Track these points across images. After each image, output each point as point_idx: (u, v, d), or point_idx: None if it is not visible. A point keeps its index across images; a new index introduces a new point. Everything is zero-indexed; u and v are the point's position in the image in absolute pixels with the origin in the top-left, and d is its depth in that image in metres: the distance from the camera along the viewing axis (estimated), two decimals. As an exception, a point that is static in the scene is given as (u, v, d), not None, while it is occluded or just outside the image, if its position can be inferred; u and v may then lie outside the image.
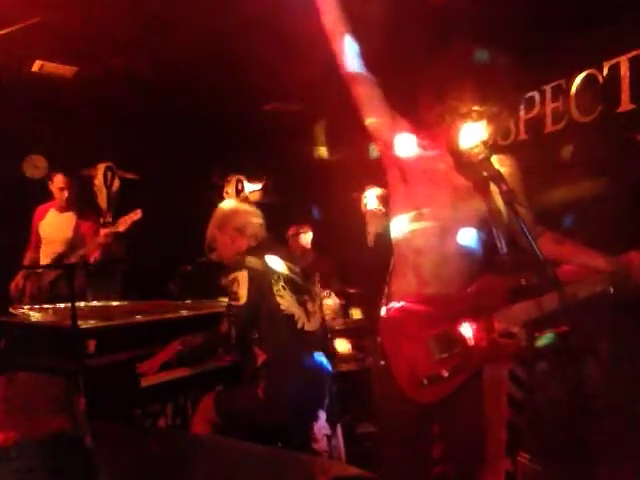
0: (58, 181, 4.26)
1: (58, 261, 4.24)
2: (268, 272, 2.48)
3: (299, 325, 2.50)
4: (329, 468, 1.21)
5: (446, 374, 1.77)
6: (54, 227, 4.34)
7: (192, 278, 4.42)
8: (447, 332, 1.80)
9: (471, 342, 1.78)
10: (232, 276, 2.46)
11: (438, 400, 1.80)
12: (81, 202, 4.56)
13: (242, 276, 2.43)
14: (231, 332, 2.41)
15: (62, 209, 4.34)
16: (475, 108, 1.73)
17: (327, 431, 2.44)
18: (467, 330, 1.79)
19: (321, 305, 2.76)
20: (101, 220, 5.60)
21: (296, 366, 2.45)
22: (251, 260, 2.47)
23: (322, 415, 2.43)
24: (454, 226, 1.82)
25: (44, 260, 4.32)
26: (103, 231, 4.05)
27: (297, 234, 4.90)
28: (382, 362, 1.84)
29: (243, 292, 2.41)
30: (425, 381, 1.78)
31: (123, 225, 4.04)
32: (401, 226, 1.88)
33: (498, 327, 1.79)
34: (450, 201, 1.82)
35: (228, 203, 2.83)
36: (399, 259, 1.93)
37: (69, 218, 4.34)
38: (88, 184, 5.71)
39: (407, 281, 1.87)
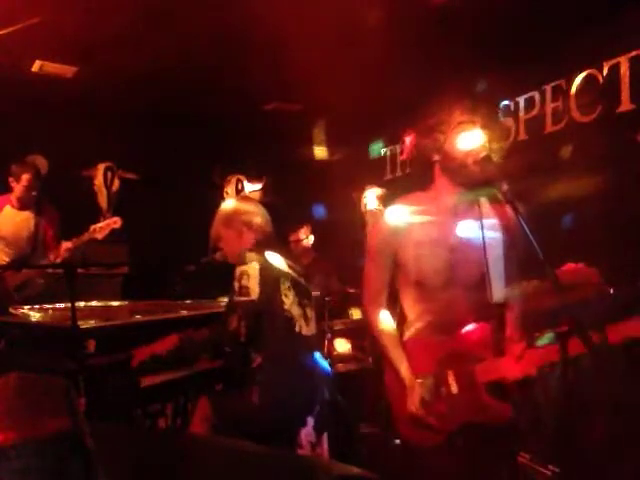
0: (26, 179, 3.93)
1: (21, 262, 3.98)
2: (275, 270, 2.40)
3: (297, 328, 2.41)
4: (329, 468, 1.21)
5: (431, 420, 1.77)
6: (14, 225, 4.00)
7: (195, 278, 4.39)
8: (434, 376, 1.82)
9: (455, 390, 1.78)
10: (240, 269, 2.31)
11: (427, 447, 1.81)
12: (78, 202, 4.45)
13: (253, 269, 2.29)
14: (241, 330, 2.27)
15: (22, 207, 4.00)
16: (467, 117, 1.78)
17: (312, 438, 2.36)
18: (452, 379, 1.80)
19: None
20: (101, 219, 5.61)
21: (290, 370, 2.37)
22: (258, 256, 2.38)
23: (310, 421, 2.35)
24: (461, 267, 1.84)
25: (1, 262, 3.98)
26: (78, 238, 3.85)
27: (298, 240, 4.90)
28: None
29: (254, 286, 2.27)
30: (412, 425, 1.80)
31: (100, 233, 3.86)
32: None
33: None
34: (453, 245, 1.84)
35: (232, 201, 2.76)
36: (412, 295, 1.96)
37: (28, 216, 4.03)
38: (88, 184, 5.72)
39: (417, 325, 1.91)
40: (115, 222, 3.95)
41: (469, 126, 1.77)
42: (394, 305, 2.04)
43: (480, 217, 1.84)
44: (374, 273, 1.98)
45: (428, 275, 1.84)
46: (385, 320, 1.95)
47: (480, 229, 1.82)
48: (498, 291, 1.81)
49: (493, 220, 1.85)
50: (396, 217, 1.88)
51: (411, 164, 4.63)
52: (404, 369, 1.85)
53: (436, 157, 1.84)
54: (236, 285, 2.31)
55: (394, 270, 1.92)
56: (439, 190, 1.88)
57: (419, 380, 1.82)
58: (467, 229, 1.84)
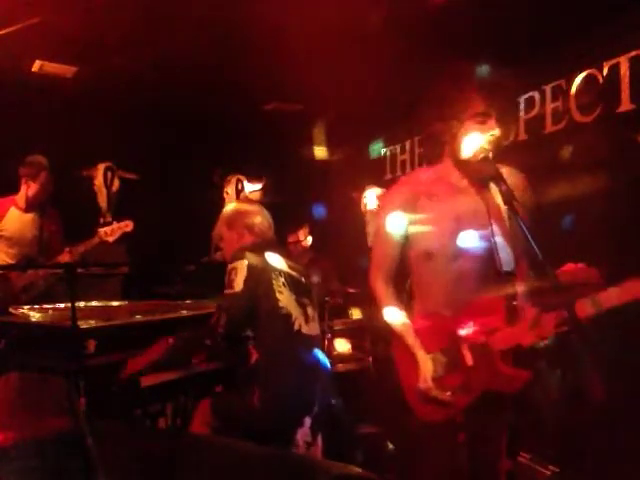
0: (44, 177, 3.96)
1: (27, 263, 3.96)
2: (268, 267, 2.44)
3: (295, 327, 2.43)
4: (329, 468, 1.21)
5: (447, 395, 1.80)
6: (19, 227, 3.97)
7: (195, 278, 4.39)
8: (447, 351, 1.84)
9: (470, 362, 1.80)
10: (231, 266, 2.41)
11: (444, 419, 1.82)
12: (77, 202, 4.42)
13: (241, 265, 2.38)
14: (220, 321, 2.35)
15: (29, 208, 3.98)
16: (475, 113, 1.80)
17: (308, 438, 2.38)
18: (466, 351, 1.81)
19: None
20: (101, 220, 5.61)
21: (289, 370, 2.39)
22: (251, 254, 2.43)
23: (307, 421, 2.37)
24: (467, 250, 1.86)
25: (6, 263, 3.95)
26: (89, 241, 3.89)
27: (297, 242, 4.90)
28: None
29: (240, 280, 2.35)
30: (424, 400, 1.82)
31: (112, 236, 3.91)
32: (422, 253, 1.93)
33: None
34: (459, 228, 1.86)
35: (235, 204, 2.81)
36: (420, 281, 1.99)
37: (33, 217, 4.00)
38: (88, 184, 5.72)
39: (428, 302, 1.94)
40: (127, 225, 3.97)
41: (482, 120, 1.80)
42: (403, 283, 2.08)
43: (485, 193, 1.87)
44: (383, 247, 2.02)
45: (436, 246, 1.88)
46: (392, 296, 1.99)
47: (484, 202, 1.86)
48: (506, 260, 1.83)
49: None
50: (405, 189, 1.96)
51: (420, 141, 4.75)
52: (413, 343, 1.88)
53: (446, 139, 1.89)
54: (226, 280, 2.41)
55: (405, 245, 1.96)
56: (446, 167, 1.93)
57: (431, 355, 1.84)
58: (472, 202, 1.88)
